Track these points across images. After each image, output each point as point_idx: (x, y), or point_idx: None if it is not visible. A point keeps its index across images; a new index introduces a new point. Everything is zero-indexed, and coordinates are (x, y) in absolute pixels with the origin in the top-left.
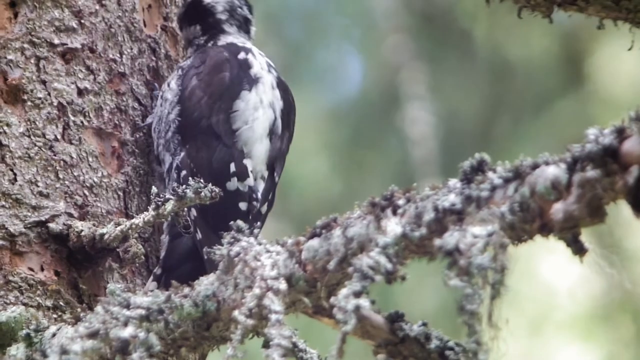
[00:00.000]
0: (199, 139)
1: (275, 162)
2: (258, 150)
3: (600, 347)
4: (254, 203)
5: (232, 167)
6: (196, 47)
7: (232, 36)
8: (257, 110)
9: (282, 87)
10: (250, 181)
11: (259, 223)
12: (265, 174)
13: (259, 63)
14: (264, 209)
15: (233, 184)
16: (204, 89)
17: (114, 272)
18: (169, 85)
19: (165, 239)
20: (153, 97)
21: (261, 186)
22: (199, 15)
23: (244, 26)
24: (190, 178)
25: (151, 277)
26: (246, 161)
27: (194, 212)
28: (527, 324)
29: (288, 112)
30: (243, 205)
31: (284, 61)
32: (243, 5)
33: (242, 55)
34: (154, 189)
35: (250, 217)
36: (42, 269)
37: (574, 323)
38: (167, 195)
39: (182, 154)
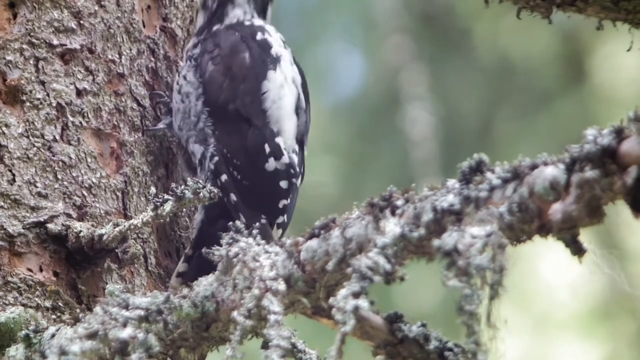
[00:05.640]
0: (228, 124)
1: (303, 135)
2: (288, 127)
3: (601, 345)
4: (293, 180)
5: (267, 148)
6: (208, 18)
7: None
8: (283, 88)
9: (296, 61)
10: (285, 159)
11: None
12: (296, 148)
13: (276, 40)
14: (299, 182)
15: (271, 164)
16: (223, 72)
17: (112, 272)
18: (185, 78)
19: (199, 217)
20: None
21: (295, 161)
22: None
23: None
24: (224, 164)
25: (182, 258)
26: (278, 139)
27: (233, 197)
28: (528, 322)
29: (305, 85)
30: (284, 184)
31: None
32: None
33: (259, 36)
34: (153, 190)
35: (290, 194)
36: (41, 270)
37: (575, 321)
38: (166, 196)
39: (213, 141)
